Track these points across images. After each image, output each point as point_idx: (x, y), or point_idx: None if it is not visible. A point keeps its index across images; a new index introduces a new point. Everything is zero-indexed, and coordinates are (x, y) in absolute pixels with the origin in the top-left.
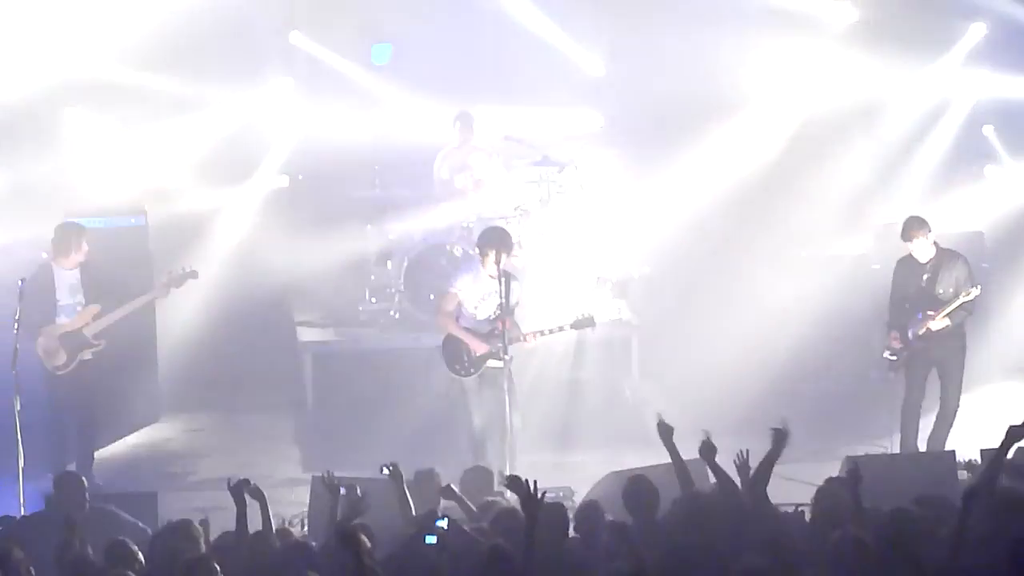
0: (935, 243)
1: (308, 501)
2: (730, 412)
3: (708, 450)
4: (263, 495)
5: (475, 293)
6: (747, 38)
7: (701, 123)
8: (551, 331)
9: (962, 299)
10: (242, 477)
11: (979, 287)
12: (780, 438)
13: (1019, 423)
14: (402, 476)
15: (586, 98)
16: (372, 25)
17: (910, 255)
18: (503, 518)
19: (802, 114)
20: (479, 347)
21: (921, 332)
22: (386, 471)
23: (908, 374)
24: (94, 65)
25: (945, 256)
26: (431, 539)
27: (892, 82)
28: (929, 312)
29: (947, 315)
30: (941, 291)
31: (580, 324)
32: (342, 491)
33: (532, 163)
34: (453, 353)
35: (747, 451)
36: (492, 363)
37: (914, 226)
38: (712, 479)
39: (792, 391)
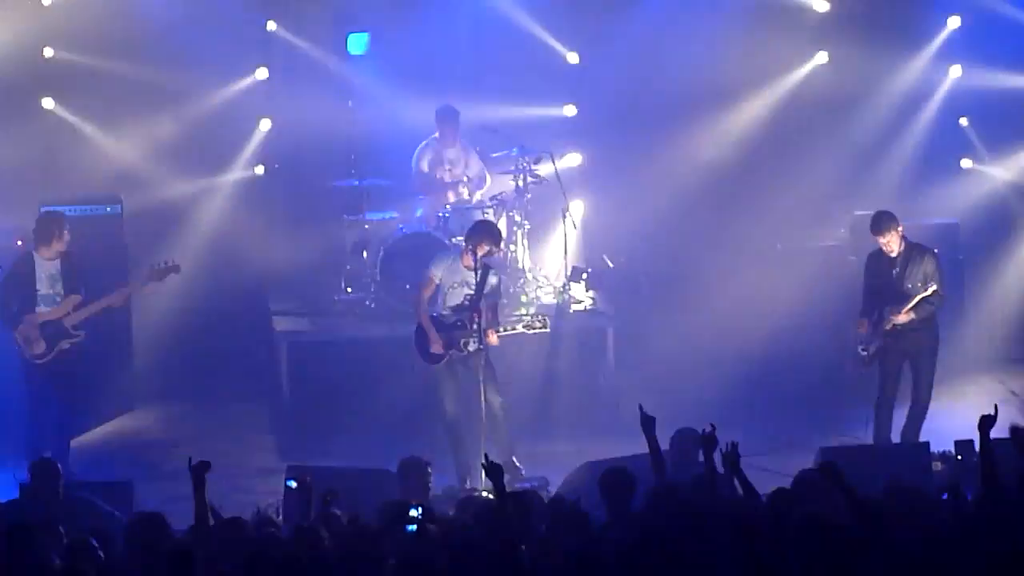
0: (904, 237)
1: (283, 490)
2: (704, 403)
3: (709, 442)
4: (203, 481)
5: (450, 279)
6: (721, 30)
7: (676, 114)
8: (506, 330)
9: (920, 294)
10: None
11: (941, 288)
12: (707, 444)
13: (989, 412)
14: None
15: (561, 88)
16: (348, 15)
17: (880, 249)
18: (485, 513)
19: (776, 106)
20: (437, 346)
21: (888, 328)
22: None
23: (881, 368)
24: (70, 53)
25: (914, 250)
26: (411, 528)
27: (867, 74)
28: (893, 308)
29: (910, 310)
30: (910, 285)
31: (531, 327)
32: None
33: (508, 153)
34: (420, 343)
35: (734, 443)
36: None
37: (883, 221)
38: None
39: (766, 382)
